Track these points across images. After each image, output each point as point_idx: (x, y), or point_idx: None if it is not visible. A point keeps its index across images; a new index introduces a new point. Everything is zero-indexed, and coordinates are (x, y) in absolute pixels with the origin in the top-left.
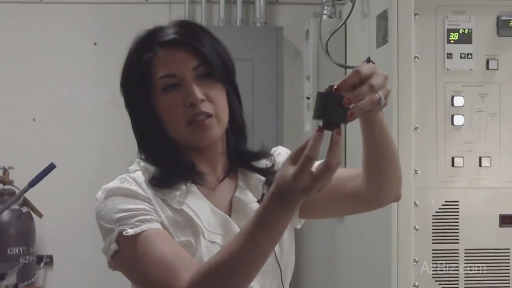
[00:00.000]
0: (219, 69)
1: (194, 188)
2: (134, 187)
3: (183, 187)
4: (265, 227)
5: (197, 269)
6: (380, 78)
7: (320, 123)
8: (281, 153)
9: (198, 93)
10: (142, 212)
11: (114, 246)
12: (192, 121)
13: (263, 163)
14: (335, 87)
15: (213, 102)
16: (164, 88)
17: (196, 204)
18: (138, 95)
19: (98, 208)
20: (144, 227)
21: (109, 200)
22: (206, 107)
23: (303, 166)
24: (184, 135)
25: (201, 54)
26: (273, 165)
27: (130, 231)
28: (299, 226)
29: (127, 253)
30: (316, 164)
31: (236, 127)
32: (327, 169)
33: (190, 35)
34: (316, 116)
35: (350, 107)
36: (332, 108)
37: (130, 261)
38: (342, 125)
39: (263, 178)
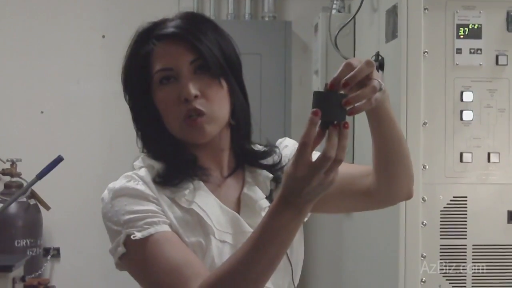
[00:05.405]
0: (216, 65)
1: (201, 185)
2: (141, 186)
3: (191, 185)
4: (271, 233)
5: (207, 277)
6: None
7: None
8: (288, 145)
9: (193, 89)
10: (150, 214)
11: (121, 249)
12: (186, 119)
13: (270, 160)
14: (330, 83)
15: (208, 99)
16: (160, 81)
17: (205, 202)
18: (138, 89)
19: (104, 209)
20: (152, 230)
21: (116, 201)
22: (200, 104)
23: (299, 153)
24: (179, 132)
25: (197, 48)
26: (280, 160)
27: (138, 235)
28: (305, 219)
29: (135, 257)
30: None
31: (238, 125)
32: (325, 159)
33: (190, 28)
34: None
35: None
36: (329, 107)
37: (138, 265)
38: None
39: (270, 175)
